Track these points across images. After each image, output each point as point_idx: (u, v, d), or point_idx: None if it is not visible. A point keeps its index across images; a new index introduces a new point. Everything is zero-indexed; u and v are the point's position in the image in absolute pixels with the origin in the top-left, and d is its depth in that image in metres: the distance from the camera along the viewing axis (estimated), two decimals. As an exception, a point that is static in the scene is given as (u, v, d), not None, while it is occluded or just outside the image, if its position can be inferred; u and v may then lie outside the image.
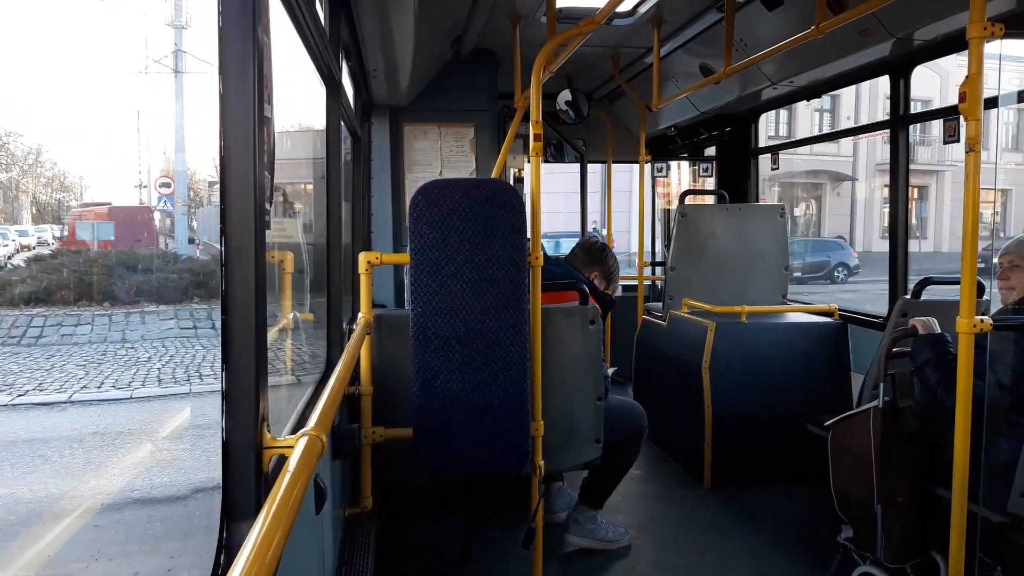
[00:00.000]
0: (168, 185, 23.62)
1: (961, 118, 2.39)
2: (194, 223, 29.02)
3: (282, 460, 1.41)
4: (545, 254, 3.81)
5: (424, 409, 2.76)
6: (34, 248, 26.08)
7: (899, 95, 4.13)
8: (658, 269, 7.13)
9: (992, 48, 2.37)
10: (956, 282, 2.48)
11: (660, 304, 5.34)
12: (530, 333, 2.85)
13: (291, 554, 1.57)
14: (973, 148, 2.29)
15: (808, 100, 5.05)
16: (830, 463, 3.08)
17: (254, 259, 1.34)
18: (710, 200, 6.35)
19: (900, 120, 4.15)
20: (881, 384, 2.88)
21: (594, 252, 3.77)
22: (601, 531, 3.52)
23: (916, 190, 30.52)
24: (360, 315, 2.99)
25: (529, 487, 3.00)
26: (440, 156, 5.43)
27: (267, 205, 1.47)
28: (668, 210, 7.61)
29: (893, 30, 3.58)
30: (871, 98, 29.31)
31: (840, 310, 4.55)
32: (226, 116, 1.32)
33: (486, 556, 3.40)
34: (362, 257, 2.94)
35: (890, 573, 2.88)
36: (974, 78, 2.27)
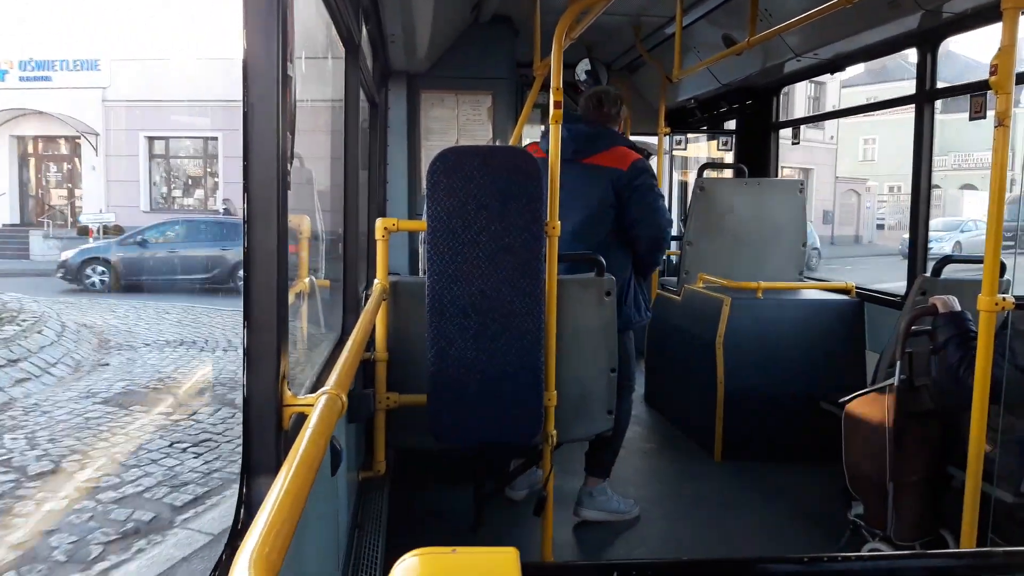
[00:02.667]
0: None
1: (989, 93, 2.34)
2: None
3: (301, 419, 1.41)
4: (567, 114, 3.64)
5: (438, 376, 2.77)
6: None
7: (926, 69, 4.06)
8: (674, 244, 7.09)
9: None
10: (978, 260, 2.45)
11: (675, 279, 5.32)
12: (545, 303, 2.84)
13: (308, 513, 1.59)
14: (1003, 122, 2.25)
15: (832, 73, 4.97)
16: (843, 440, 3.07)
17: (276, 217, 1.33)
18: (729, 174, 6.29)
19: (926, 95, 4.08)
20: (898, 362, 2.86)
21: (609, 101, 3.56)
22: (612, 503, 3.55)
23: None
24: (376, 281, 2.99)
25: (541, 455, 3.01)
26: (457, 124, 5.38)
27: (288, 165, 1.47)
28: (686, 183, 7.55)
29: (923, 1, 3.50)
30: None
31: (857, 288, 4.51)
32: (249, 73, 1.31)
33: (497, 523, 3.43)
34: (379, 223, 2.93)
35: (899, 550, 2.88)
36: (1007, 50, 2.21)
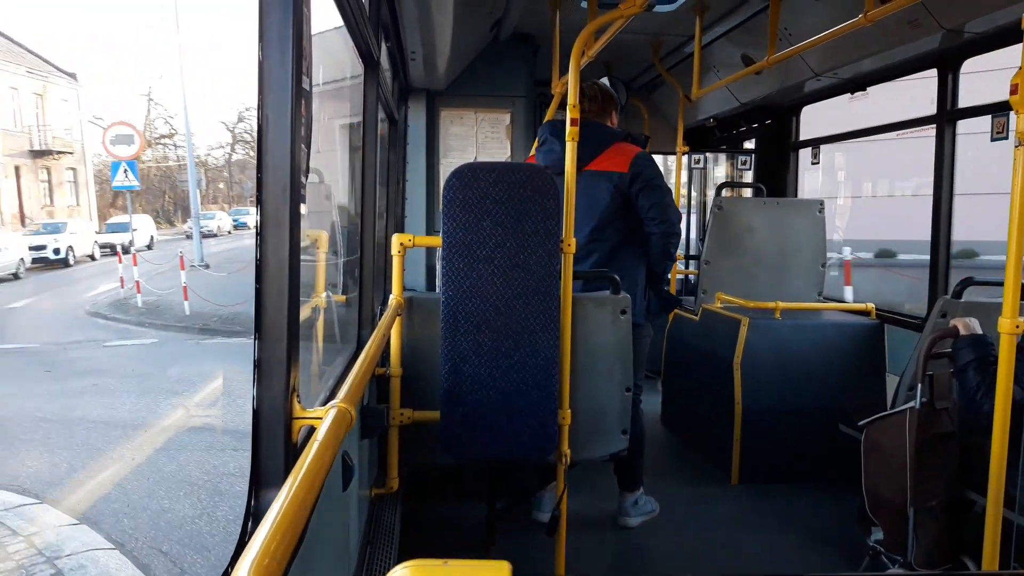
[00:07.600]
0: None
1: (1012, 113, 2.31)
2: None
3: (311, 432, 1.41)
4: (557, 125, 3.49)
5: (452, 392, 2.76)
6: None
7: (947, 90, 4.03)
8: (691, 263, 7.06)
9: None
10: (999, 283, 2.41)
11: (693, 298, 5.29)
12: (560, 320, 2.83)
13: (317, 528, 1.58)
14: (1023, 142, 2.22)
15: (852, 92, 4.95)
16: (863, 463, 3.02)
17: (288, 230, 1.34)
18: (747, 193, 6.27)
19: (947, 115, 4.05)
20: (919, 384, 2.82)
21: (590, 97, 3.50)
22: (648, 506, 3.74)
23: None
24: (392, 296, 3.00)
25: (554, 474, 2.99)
26: (475, 142, 5.42)
27: (303, 178, 1.48)
28: (705, 203, 7.53)
29: (943, 21, 3.48)
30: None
31: (878, 309, 4.46)
32: (264, 86, 1.32)
33: (512, 541, 3.40)
34: (395, 239, 2.94)
35: None
36: None
